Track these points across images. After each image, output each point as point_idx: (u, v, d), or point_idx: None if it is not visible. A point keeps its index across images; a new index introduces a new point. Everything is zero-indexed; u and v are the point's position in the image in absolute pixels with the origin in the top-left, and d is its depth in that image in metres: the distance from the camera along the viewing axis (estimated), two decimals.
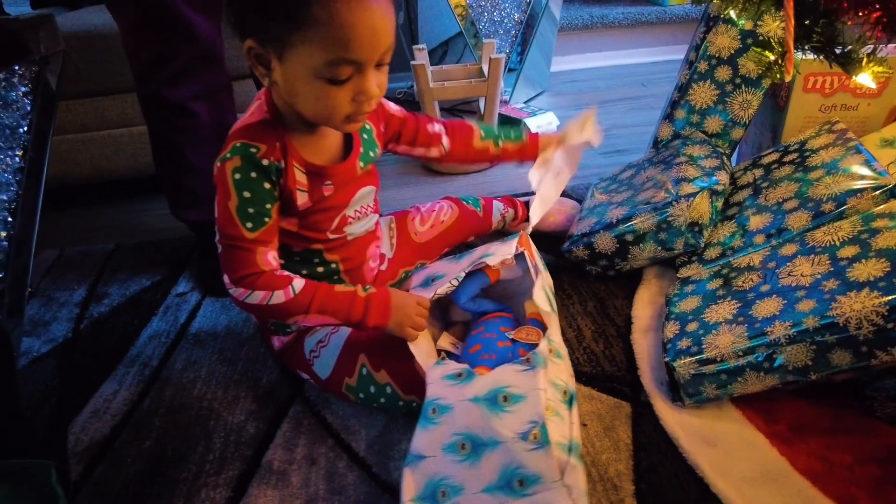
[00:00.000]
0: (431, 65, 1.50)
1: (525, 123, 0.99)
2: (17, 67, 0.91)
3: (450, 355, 0.80)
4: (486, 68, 1.42)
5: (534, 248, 0.87)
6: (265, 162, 0.70)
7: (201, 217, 1.13)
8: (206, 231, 1.15)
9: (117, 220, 1.42)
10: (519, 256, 0.83)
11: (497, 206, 1.14)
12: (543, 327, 0.77)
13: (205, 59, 1.01)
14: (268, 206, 0.72)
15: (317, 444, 0.77)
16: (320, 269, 0.83)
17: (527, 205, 1.20)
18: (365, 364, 0.77)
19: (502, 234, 1.17)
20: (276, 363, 0.91)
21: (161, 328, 1.01)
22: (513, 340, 0.76)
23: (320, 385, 0.83)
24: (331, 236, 0.81)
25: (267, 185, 0.71)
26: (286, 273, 0.73)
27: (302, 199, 0.75)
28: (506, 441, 0.59)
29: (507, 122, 1.75)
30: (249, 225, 0.70)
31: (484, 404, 0.63)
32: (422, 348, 0.75)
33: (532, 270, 0.81)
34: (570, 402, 0.66)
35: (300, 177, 0.74)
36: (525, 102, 1.92)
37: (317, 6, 0.60)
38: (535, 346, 0.73)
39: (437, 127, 0.94)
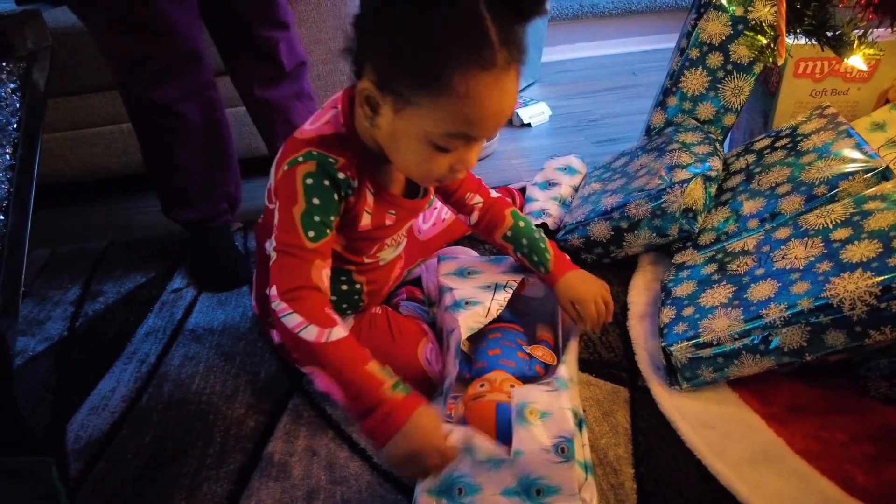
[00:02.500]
0: None
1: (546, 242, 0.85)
2: (4, 64, 0.90)
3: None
4: None
5: None
6: (341, 175, 0.66)
7: (195, 217, 1.12)
8: (200, 230, 1.14)
9: (110, 218, 1.41)
10: None
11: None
12: (554, 350, 0.80)
13: (185, 57, 0.98)
14: (332, 218, 0.67)
15: (317, 436, 0.77)
16: (344, 287, 0.80)
17: (522, 191, 1.20)
18: None
19: None
20: (274, 357, 0.91)
21: (157, 324, 1.01)
22: (530, 355, 0.78)
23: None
24: (367, 261, 0.79)
25: (336, 197, 0.67)
26: (334, 315, 0.64)
27: (365, 220, 0.71)
28: (531, 452, 0.61)
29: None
30: (311, 234, 0.65)
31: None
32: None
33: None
34: (580, 426, 0.67)
35: (370, 198, 0.71)
36: None
37: (458, 78, 0.55)
38: (550, 366, 0.77)
39: (477, 199, 0.87)
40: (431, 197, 0.81)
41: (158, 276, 1.14)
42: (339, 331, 0.62)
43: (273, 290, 0.64)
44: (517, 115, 1.71)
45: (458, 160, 0.63)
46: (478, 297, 0.80)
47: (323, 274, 0.66)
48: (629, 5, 2.19)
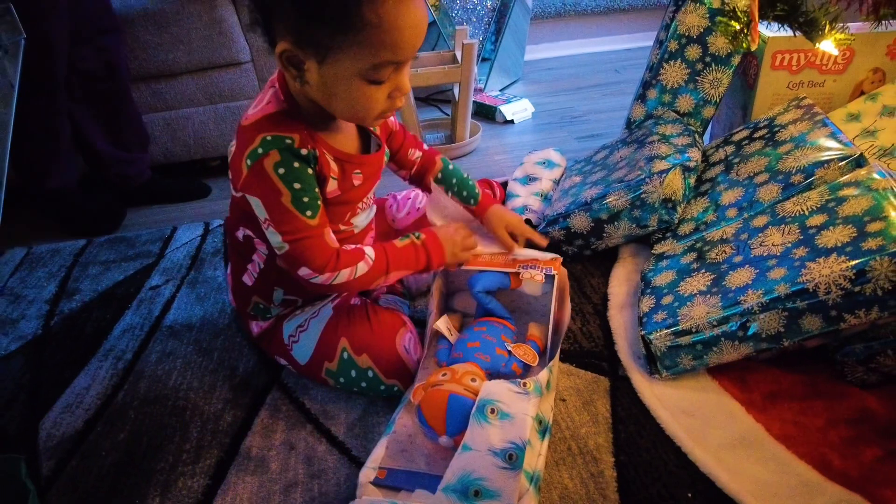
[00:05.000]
0: None
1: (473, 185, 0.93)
2: None
3: (441, 339, 0.80)
4: (459, 55, 1.42)
5: (566, 285, 0.87)
6: (304, 151, 0.68)
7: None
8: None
9: None
10: (549, 278, 0.83)
11: None
12: (540, 351, 0.79)
13: None
14: (316, 189, 0.71)
15: (295, 430, 0.76)
16: None
17: (504, 185, 1.20)
18: (346, 348, 0.77)
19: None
20: (252, 351, 0.90)
21: (135, 321, 0.99)
22: (510, 352, 0.77)
23: (299, 370, 0.82)
24: (342, 227, 0.80)
25: (310, 172, 0.70)
26: (354, 246, 0.75)
27: (332, 186, 0.73)
28: (479, 450, 0.59)
29: (482, 110, 1.75)
30: (309, 213, 0.69)
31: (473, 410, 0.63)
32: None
33: (555, 298, 0.81)
34: (543, 433, 0.66)
35: (333, 164, 0.72)
36: (500, 90, 1.92)
37: (368, 9, 0.59)
38: (529, 367, 0.76)
39: (417, 154, 0.92)
40: (387, 150, 0.84)
41: (137, 274, 1.12)
42: (368, 249, 0.75)
43: (305, 271, 0.70)
44: (500, 111, 1.71)
45: (394, 87, 0.66)
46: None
47: (332, 236, 0.73)
48: (611, 4, 2.21)
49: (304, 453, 0.73)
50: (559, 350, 0.77)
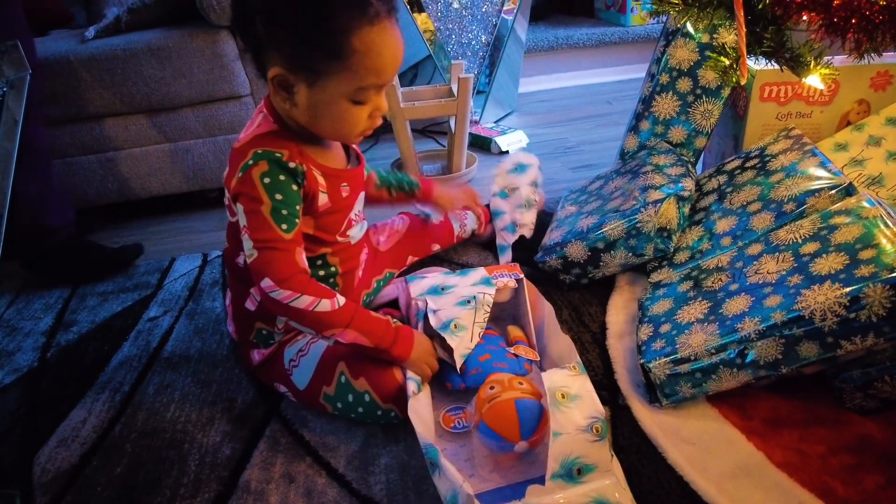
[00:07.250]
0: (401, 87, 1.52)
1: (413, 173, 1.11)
2: None
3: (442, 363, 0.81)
4: (455, 88, 1.45)
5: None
6: (291, 165, 0.73)
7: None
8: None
9: None
10: (518, 282, 0.88)
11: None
12: (529, 346, 0.83)
13: None
14: (297, 207, 0.74)
15: (295, 462, 0.76)
16: (322, 273, 0.85)
17: (488, 206, 1.21)
18: (344, 372, 0.77)
19: (474, 240, 1.21)
20: (251, 383, 0.90)
21: (132, 353, 0.99)
22: (515, 355, 0.80)
23: (298, 397, 0.82)
24: (339, 239, 0.84)
25: (294, 188, 0.74)
26: (326, 286, 0.75)
27: (323, 200, 0.78)
28: (569, 432, 0.62)
29: (477, 141, 1.78)
30: (285, 227, 0.72)
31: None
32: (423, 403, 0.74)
33: (526, 298, 0.85)
34: None
35: (320, 179, 0.77)
36: (495, 122, 1.95)
37: (355, 38, 0.66)
38: (534, 361, 0.80)
39: None
40: (366, 162, 0.90)
41: (135, 305, 1.12)
42: (342, 297, 0.74)
43: (267, 282, 0.71)
44: (495, 143, 1.73)
45: (374, 108, 0.73)
46: (462, 319, 0.80)
47: (303, 258, 0.75)
48: (602, 37, 2.26)
49: (304, 486, 0.72)
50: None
